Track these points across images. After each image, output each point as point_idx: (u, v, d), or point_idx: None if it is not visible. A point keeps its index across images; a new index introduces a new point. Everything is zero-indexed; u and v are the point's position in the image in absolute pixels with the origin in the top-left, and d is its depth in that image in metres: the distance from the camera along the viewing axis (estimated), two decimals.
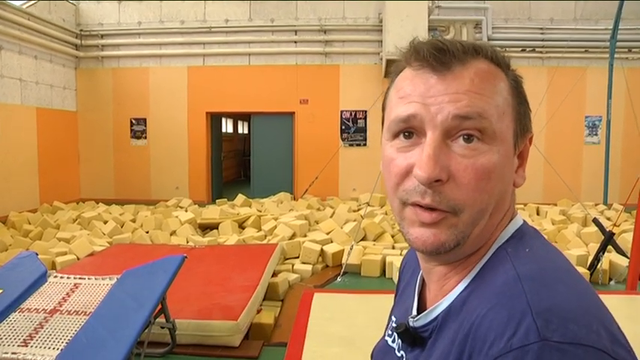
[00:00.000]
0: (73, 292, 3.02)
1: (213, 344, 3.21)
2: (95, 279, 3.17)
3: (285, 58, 9.91)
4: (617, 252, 4.86)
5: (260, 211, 7.49)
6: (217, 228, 6.51)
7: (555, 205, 8.27)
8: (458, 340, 0.54)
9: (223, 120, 13.17)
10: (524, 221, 0.65)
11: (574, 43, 9.43)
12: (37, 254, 3.40)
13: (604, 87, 8.70)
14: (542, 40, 9.64)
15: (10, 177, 7.99)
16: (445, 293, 0.62)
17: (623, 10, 8.03)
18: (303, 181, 9.72)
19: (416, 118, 0.58)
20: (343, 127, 9.94)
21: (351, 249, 5.02)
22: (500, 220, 0.61)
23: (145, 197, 9.84)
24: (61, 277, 3.21)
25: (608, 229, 4.89)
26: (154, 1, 9.99)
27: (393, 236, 6.03)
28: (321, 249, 5.31)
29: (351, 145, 9.92)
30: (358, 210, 7.78)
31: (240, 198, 8.49)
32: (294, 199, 9.43)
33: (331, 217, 6.88)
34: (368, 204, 6.82)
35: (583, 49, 9.55)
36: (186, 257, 2.94)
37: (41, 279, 3.12)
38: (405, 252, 5.46)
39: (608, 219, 6.84)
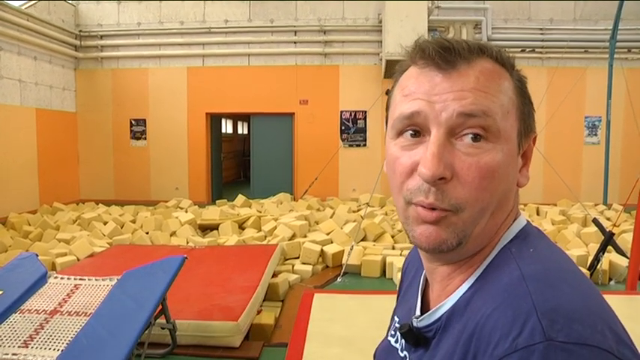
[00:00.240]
0: (74, 293, 3.02)
1: (213, 345, 3.20)
2: (95, 280, 3.16)
3: (284, 59, 9.91)
4: (617, 252, 4.86)
5: (260, 212, 7.49)
6: (217, 229, 6.51)
7: (555, 205, 8.27)
8: (462, 340, 0.54)
9: (223, 120, 13.17)
10: (528, 221, 0.65)
11: (574, 44, 9.44)
12: (37, 255, 3.39)
13: (604, 87, 8.70)
14: (542, 41, 9.64)
15: (9, 178, 7.99)
16: (449, 293, 0.62)
17: (622, 11, 8.03)
18: (302, 181, 9.72)
19: (420, 115, 0.58)
20: (343, 128, 9.94)
21: (351, 249, 5.02)
22: (503, 220, 0.61)
23: (145, 198, 9.84)
24: (62, 278, 3.21)
25: (608, 230, 4.89)
26: (153, 1, 9.99)
27: (393, 237, 6.03)
28: (321, 249, 5.30)
29: (350, 145, 9.92)
30: (358, 210, 7.77)
31: (240, 199, 8.50)
32: (294, 199, 9.43)
33: (331, 217, 6.88)
34: (368, 204, 6.82)
35: (583, 50, 9.56)
36: (186, 258, 2.94)
37: (41, 280, 3.11)
38: (405, 252, 5.45)
39: (608, 219, 6.84)
